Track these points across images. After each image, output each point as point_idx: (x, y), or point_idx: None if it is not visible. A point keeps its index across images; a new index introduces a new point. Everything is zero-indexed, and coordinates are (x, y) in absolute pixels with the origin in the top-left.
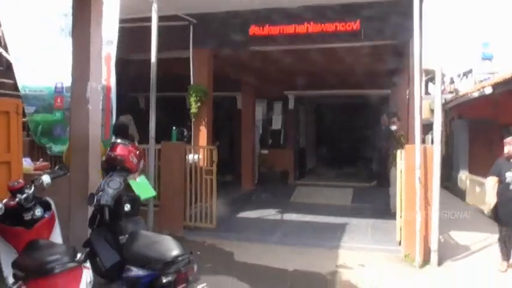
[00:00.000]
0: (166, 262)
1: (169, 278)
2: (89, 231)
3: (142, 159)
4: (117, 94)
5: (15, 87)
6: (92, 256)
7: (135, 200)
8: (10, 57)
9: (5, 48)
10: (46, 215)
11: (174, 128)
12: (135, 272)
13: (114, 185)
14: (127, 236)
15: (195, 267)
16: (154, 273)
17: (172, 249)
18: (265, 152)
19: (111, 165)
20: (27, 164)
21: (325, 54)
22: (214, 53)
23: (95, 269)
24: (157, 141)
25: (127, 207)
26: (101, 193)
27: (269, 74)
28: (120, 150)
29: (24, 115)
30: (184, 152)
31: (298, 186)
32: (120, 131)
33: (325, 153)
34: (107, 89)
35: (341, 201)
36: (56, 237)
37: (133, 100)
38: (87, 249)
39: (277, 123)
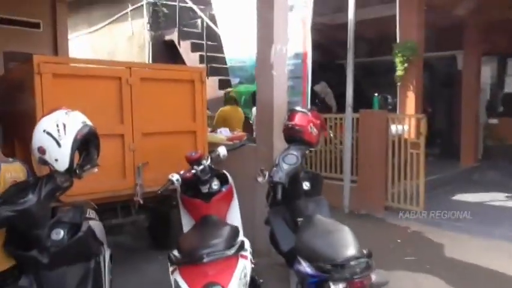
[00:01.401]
0: (336, 264)
1: (339, 286)
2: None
3: (324, 131)
4: (314, 60)
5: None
6: (272, 235)
7: (316, 177)
8: (219, 31)
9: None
10: (223, 189)
11: (376, 94)
12: (303, 267)
13: (290, 160)
14: (303, 218)
15: (373, 276)
16: (322, 275)
17: (347, 246)
18: (494, 121)
19: (289, 137)
20: (224, 133)
21: None
22: (427, 2)
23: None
24: (357, 109)
25: (306, 185)
26: (274, 169)
27: (505, 21)
28: (298, 120)
29: (229, 86)
30: (386, 121)
31: None
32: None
33: None
34: (304, 55)
35: None
36: (234, 212)
37: (332, 66)
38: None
39: (511, 86)
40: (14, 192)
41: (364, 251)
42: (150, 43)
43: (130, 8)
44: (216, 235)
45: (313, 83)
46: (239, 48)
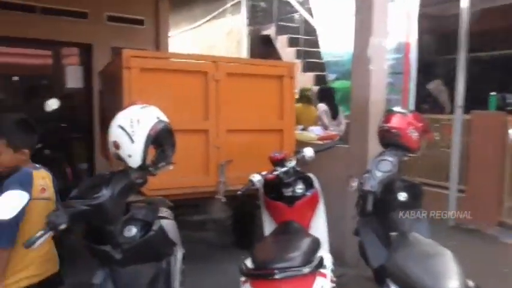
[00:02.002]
0: None
1: None
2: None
3: (427, 134)
4: (424, 55)
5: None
6: (361, 248)
7: (414, 187)
8: (315, 25)
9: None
10: (308, 193)
11: (492, 93)
12: None
13: (384, 166)
14: (397, 234)
15: None
16: None
17: (448, 277)
18: None
19: (384, 141)
20: (315, 132)
21: None
22: None
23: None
24: (468, 110)
25: (402, 196)
26: (366, 175)
27: None
28: (395, 122)
29: (325, 82)
30: (504, 124)
31: None
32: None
33: None
34: (406, 49)
35: None
36: (319, 219)
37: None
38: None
39: None
40: (89, 186)
41: (470, 283)
42: (248, 38)
43: (230, 3)
44: (294, 247)
45: (427, 80)
46: (336, 42)
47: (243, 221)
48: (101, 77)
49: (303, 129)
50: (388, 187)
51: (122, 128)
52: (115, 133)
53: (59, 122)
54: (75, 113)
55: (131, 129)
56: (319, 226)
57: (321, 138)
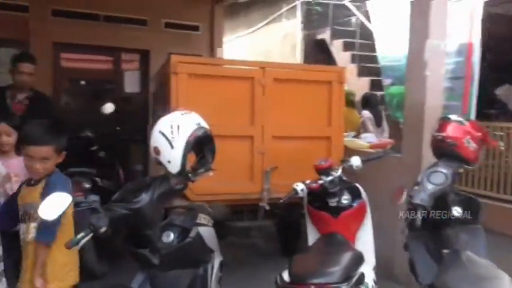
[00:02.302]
0: None
1: None
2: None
3: (486, 145)
4: (489, 58)
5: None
6: (411, 263)
7: (471, 201)
8: (372, 28)
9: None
10: (354, 204)
11: None
12: None
13: (436, 178)
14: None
15: None
16: None
17: None
18: None
19: (438, 151)
20: (368, 139)
21: None
22: None
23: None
24: None
25: (457, 211)
26: (416, 188)
27: None
28: (451, 131)
29: (381, 88)
30: None
31: None
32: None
33: None
34: (468, 52)
35: None
36: (365, 232)
37: None
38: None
39: None
40: (130, 190)
41: None
42: (303, 42)
43: (285, 8)
44: (334, 261)
45: (492, 85)
46: (393, 45)
47: (288, 229)
48: (154, 82)
49: (355, 136)
50: (441, 201)
51: (162, 133)
52: (156, 139)
53: (115, 125)
54: (131, 116)
55: (171, 135)
56: (365, 239)
57: (373, 146)
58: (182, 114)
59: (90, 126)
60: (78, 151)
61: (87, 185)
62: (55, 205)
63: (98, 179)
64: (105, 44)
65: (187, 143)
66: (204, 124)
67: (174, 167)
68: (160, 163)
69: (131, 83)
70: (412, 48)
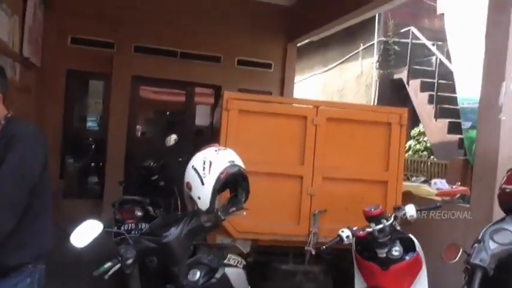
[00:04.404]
0: None
1: None
2: None
3: None
4: None
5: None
6: None
7: None
8: (453, 68)
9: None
10: (407, 257)
11: None
12: None
13: (502, 237)
14: None
15: None
16: None
17: None
18: None
19: (506, 205)
20: (438, 185)
21: None
22: None
23: None
24: None
25: None
26: (476, 245)
27: None
28: None
29: (460, 131)
30: None
31: None
32: None
33: None
34: None
35: None
36: None
37: None
38: None
39: None
40: (162, 224)
41: None
42: (378, 82)
43: (362, 47)
44: None
45: None
46: (474, 87)
47: (338, 276)
48: (215, 115)
49: (425, 181)
50: (505, 263)
51: (195, 169)
52: (189, 174)
53: (178, 156)
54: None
55: (203, 171)
56: None
57: (440, 194)
58: (216, 150)
59: (155, 156)
60: (140, 179)
61: (140, 213)
62: (86, 233)
63: (150, 208)
64: (180, 78)
65: (218, 180)
66: (239, 162)
67: (204, 203)
68: (192, 199)
69: (202, 116)
70: (484, 90)
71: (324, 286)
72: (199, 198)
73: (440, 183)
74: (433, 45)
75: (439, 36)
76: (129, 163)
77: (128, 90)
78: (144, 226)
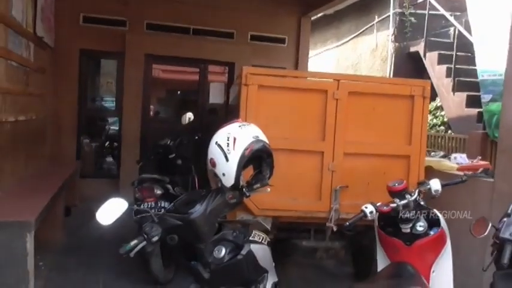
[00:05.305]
0: None
1: None
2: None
3: None
4: None
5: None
6: None
7: None
8: (473, 40)
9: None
10: (431, 232)
11: None
12: None
13: None
14: None
15: None
16: None
17: None
18: None
19: None
20: (459, 160)
21: None
22: None
23: None
24: None
25: None
26: (505, 220)
27: None
28: None
29: (479, 105)
30: None
31: None
32: None
33: None
34: None
35: None
36: (443, 265)
37: None
38: None
39: None
40: (186, 201)
41: None
42: (393, 55)
43: (377, 19)
44: None
45: None
46: (495, 58)
47: (359, 252)
48: (230, 93)
49: (444, 156)
50: None
51: (219, 145)
52: (212, 150)
53: (195, 134)
54: (213, 126)
55: (227, 147)
56: (442, 275)
57: (461, 169)
58: (240, 126)
59: (172, 134)
60: (157, 158)
61: (159, 192)
62: (112, 210)
63: (169, 186)
64: (193, 56)
65: (242, 156)
66: (263, 137)
67: (229, 180)
68: (216, 175)
69: (216, 94)
70: (510, 62)
71: (344, 262)
72: (223, 174)
73: (461, 158)
74: (451, 15)
75: (457, 7)
76: (144, 142)
77: (141, 69)
78: (164, 204)
